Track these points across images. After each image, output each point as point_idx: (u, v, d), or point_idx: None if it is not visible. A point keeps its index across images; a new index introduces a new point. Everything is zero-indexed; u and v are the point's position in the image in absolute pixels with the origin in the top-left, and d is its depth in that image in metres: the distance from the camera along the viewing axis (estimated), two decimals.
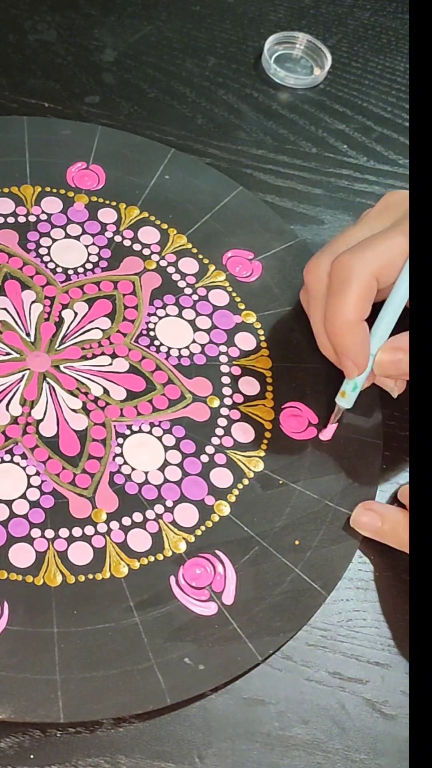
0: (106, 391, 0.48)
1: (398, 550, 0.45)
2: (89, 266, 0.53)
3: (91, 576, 0.43)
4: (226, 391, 0.49)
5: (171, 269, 0.53)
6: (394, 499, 0.48)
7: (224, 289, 0.53)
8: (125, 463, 0.46)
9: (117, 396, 0.48)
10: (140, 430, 0.47)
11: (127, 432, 0.47)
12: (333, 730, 0.41)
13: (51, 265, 0.52)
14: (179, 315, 0.52)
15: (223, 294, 0.53)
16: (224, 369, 0.50)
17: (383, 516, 0.45)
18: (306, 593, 0.43)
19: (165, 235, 0.55)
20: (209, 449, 0.47)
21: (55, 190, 0.55)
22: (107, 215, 0.55)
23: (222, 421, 0.48)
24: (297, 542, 0.45)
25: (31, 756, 0.39)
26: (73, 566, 0.43)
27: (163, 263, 0.53)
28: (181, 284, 0.53)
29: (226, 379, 0.50)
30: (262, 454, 0.48)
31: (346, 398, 0.47)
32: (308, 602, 0.43)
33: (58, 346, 0.49)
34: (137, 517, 0.45)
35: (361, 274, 0.44)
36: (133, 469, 0.46)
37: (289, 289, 0.53)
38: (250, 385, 0.50)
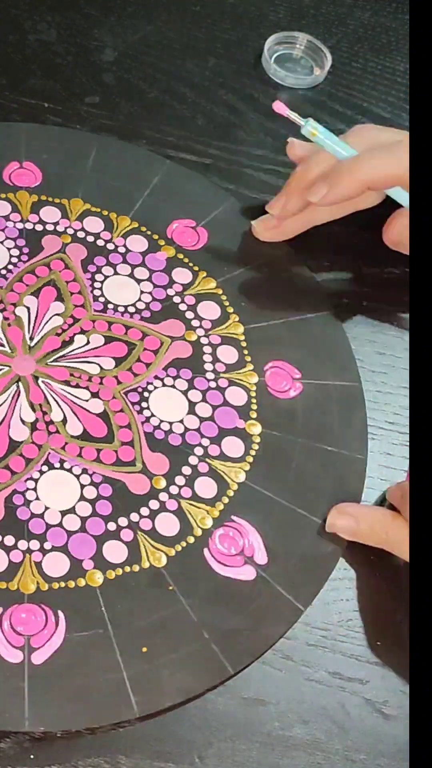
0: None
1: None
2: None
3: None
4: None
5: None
6: (383, 500, 0.48)
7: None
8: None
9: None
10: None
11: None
12: (333, 730, 0.41)
13: None
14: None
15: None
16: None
17: (358, 517, 0.45)
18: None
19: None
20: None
21: None
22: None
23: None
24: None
25: (31, 756, 0.39)
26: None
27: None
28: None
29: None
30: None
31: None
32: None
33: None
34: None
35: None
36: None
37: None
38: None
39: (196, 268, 0.54)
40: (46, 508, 0.44)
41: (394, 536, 0.44)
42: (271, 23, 0.69)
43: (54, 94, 0.62)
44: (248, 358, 0.51)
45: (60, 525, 0.44)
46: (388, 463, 0.49)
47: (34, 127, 0.59)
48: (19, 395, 0.48)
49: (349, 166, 0.48)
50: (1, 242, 0.53)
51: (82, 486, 0.45)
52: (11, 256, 0.53)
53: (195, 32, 0.68)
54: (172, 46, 0.66)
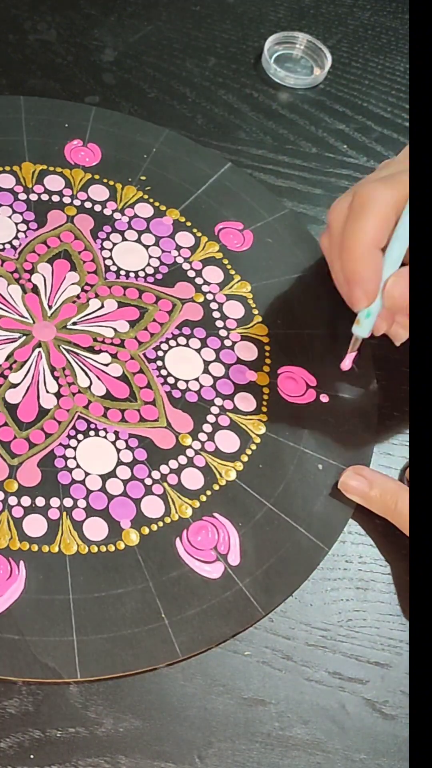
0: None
1: (397, 550, 0.45)
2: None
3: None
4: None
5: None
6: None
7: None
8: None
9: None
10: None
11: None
12: (333, 730, 0.41)
13: None
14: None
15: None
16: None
17: (372, 482, 0.46)
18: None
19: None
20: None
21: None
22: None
23: (217, 311, 0.52)
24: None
25: (31, 756, 0.39)
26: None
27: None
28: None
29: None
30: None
31: (360, 326, 0.46)
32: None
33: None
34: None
35: (381, 201, 0.44)
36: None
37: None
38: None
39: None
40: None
41: (402, 509, 0.45)
42: (271, 23, 0.69)
43: (54, 94, 0.62)
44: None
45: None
46: (388, 463, 0.49)
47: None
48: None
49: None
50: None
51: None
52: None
53: (195, 32, 0.68)
54: (172, 46, 0.66)
